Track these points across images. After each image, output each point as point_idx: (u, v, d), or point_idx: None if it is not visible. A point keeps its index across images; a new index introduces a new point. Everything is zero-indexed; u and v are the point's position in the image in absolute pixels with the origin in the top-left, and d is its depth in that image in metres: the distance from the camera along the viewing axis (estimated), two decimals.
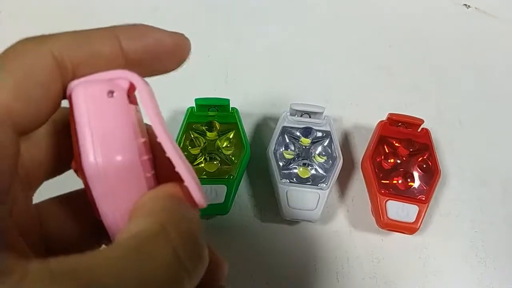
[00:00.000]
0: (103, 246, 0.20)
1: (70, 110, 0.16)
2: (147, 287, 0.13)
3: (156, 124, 0.16)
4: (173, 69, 0.19)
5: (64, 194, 0.21)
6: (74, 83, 0.16)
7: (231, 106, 0.38)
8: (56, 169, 0.19)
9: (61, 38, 0.16)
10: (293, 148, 0.37)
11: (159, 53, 0.18)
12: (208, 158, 0.36)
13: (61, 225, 0.19)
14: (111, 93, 0.16)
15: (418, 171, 0.37)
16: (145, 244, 0.13)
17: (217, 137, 0.38)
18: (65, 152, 0.19)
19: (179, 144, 0.37)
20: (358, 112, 0.44)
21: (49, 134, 0.19)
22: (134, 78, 0.16)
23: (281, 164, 0.36)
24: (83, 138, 0.15)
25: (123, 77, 0.16)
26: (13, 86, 0.14)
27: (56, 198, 0.20)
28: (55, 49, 0.15)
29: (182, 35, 0.18)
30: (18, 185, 0.17)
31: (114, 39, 0.17)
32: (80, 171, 0.16)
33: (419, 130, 0.39)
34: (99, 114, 0.15)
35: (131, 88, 0.16)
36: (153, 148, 0.18)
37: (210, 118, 0.38)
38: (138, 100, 0.17)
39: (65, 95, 0.16)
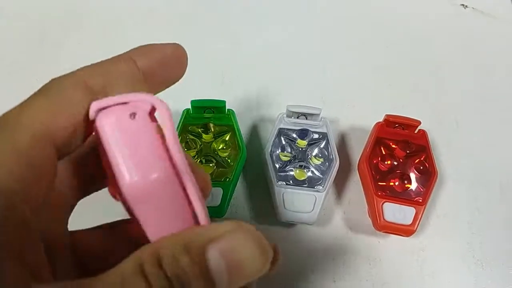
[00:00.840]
0: None
1: (97, 137, 0.17)
2: None
3: (174, 146, 0.16)
4: (179, 76, 0.21)
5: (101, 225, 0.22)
6: (93, 107, 0.17)
7: (227, 107, 0.38)
8: (85, 191, 0.21)
9: (88, 68, 0.18)
10: (289, 150, 0.37)
11: (166, 62, 0.20)
12: (204, 161, 0.36)
13: (95, 252, 0.21)
14: (133, 115, 0.16)
15: (415, 173, 0.37)
16: (120, 281, 0.14)
17: (213, 139, 0.37)
18: (92, 173, 0.20)
19: None
20: (354, 113, 0.44)
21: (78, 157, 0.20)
22: (155, 100, 0.17)
23: (277, 166, 0.36)
24: (116, 161, 0.16)
25: (144, 99, 0.17)
26: (51, 107, 0.16)
27: (94, 228, 0.22)
28: (85, 76, 0.18)
29: (177, 44, 0.21)
30: (52, 206, 0.18)
31: (130, 60, 0.19)
32: (119, 194, 0.16)
33: (416, 131, 0.39)
34: (125, 136, 0.16)
35: (152, 110, 0.17)
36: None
37: (206, 120, 0.37)
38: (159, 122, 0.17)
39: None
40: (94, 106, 0.17)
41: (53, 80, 0.17)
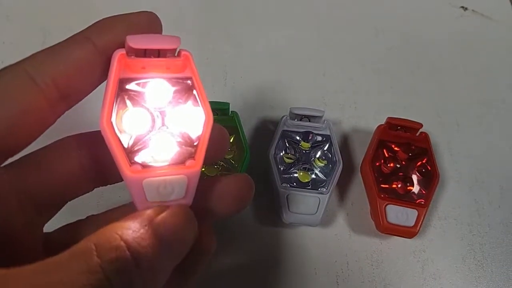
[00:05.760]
0: None
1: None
2: None
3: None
4: None
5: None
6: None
7: (230, 109, 0.38)
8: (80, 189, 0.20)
9: (34, 57, 0.17)
10: (293, 152, 0.37)
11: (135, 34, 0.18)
12: None
13: None
14: None
15: (417, 175, 0.37)
16: (67, 256, 0.14)
17: None
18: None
19: None
20: (356, 115, 0.44)
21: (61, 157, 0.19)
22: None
23: (281, 168, 0.36)
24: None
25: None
26: None
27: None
28: (29, 68, 0.17)
29: (147, 11, 0.20)
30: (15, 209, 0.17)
31: (86, 41, 0.18)
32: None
33: (417, 134, 0.39)
34: None
35: None
36: None
37: None
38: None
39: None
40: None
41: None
